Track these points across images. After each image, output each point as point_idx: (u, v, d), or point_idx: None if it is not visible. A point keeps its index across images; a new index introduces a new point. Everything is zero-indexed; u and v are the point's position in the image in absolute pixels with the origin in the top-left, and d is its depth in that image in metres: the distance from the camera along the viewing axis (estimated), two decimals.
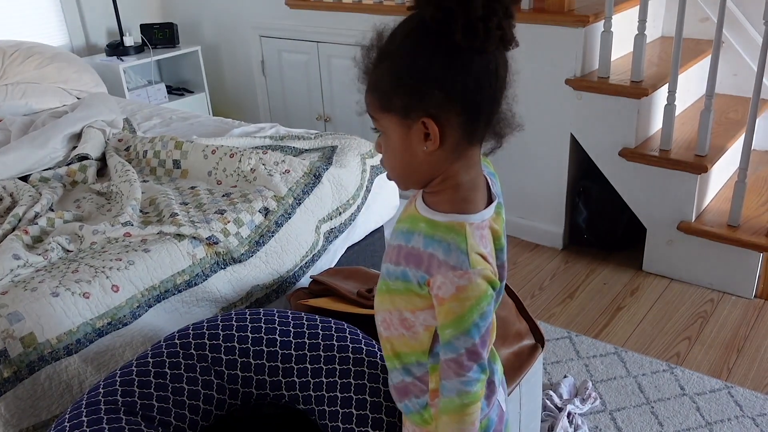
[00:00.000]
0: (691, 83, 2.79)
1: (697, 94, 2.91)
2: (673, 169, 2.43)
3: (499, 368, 1.09)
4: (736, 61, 2.89)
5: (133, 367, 1.26)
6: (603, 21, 2.47)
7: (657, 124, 2.62)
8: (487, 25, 0.79)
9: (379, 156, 2.16)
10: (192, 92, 3.91)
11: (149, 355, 1.29)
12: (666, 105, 2.43)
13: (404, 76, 0.84)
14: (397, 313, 0.96)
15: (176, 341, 1.31)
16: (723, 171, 2.66)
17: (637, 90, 2.44)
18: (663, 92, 2.50)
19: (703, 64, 2.71)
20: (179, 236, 1.64)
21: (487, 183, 0.96)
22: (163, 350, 1.29)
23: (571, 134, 2.64)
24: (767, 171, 2.81)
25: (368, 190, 2.11)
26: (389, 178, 0.95)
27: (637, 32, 2.44)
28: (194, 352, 1.29)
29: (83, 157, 2.16)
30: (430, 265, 0.87)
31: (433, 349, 0.95)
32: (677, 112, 2.49)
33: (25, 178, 2.07)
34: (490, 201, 0.94)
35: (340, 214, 2.00)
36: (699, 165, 2.38)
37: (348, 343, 1.31)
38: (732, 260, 2.40)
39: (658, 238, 2.56)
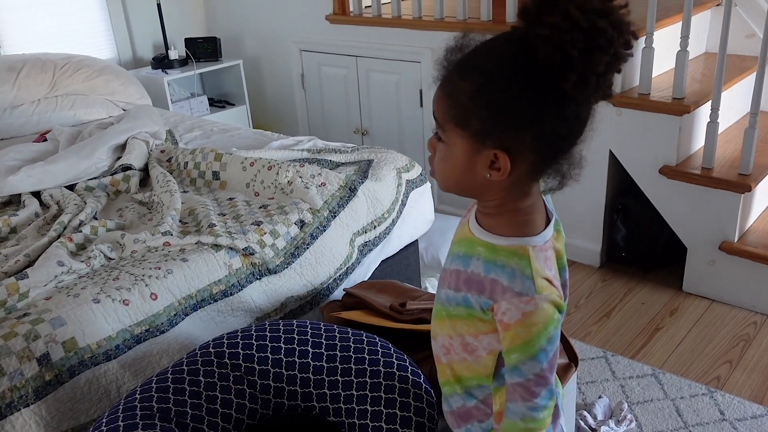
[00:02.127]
0: (735, 100, 2.73)
1: (741, 112, 2.85)
2: (716, 188, 2.37)
3: (561, 392, 1.07)
4: None
5: (169, 375, 1.29)
6: (644, 37, 2.45)
7: (699, 141, 2.57)
8: (600, 81, 0.77)
9: (415, 170, 2.18)
10: (233, 104, 3.99)
11: (184, 363, 1.31)
12: (709, 122, 2.38)
13: (494, 104, 0.79)
14: (458, 338, 0.93)
15: (211, 350, 1.33)
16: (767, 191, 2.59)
17: (679, 107, 2.40)
18: (706, 109, 2.45)
19: (748, 81, 2.65)
20: (216, 246, 1.67)
21: (544, 202, 0.94)
22: (198, 359, 1.32)
23: (610, 151, 2.61)
24: None
25: (403, 204, 2.11)
26: (432, 175, 0.92)
27: (679, 48, 2.40)
28: (228, 362, 1.31)
29: (127, 168, 2.22)
30: (493, 291, 0.85)
31: (497, 373, 0.93)
32: (720, 129, 2.44)
33: (71, 187, 2.14)
34: (548, 220, 0.92)
35: (374, 227, 2.01)
36: (742, 184, 2.32)
37: (379, 357, 1.32)
38: None
39: (699, 258, 2.50)
